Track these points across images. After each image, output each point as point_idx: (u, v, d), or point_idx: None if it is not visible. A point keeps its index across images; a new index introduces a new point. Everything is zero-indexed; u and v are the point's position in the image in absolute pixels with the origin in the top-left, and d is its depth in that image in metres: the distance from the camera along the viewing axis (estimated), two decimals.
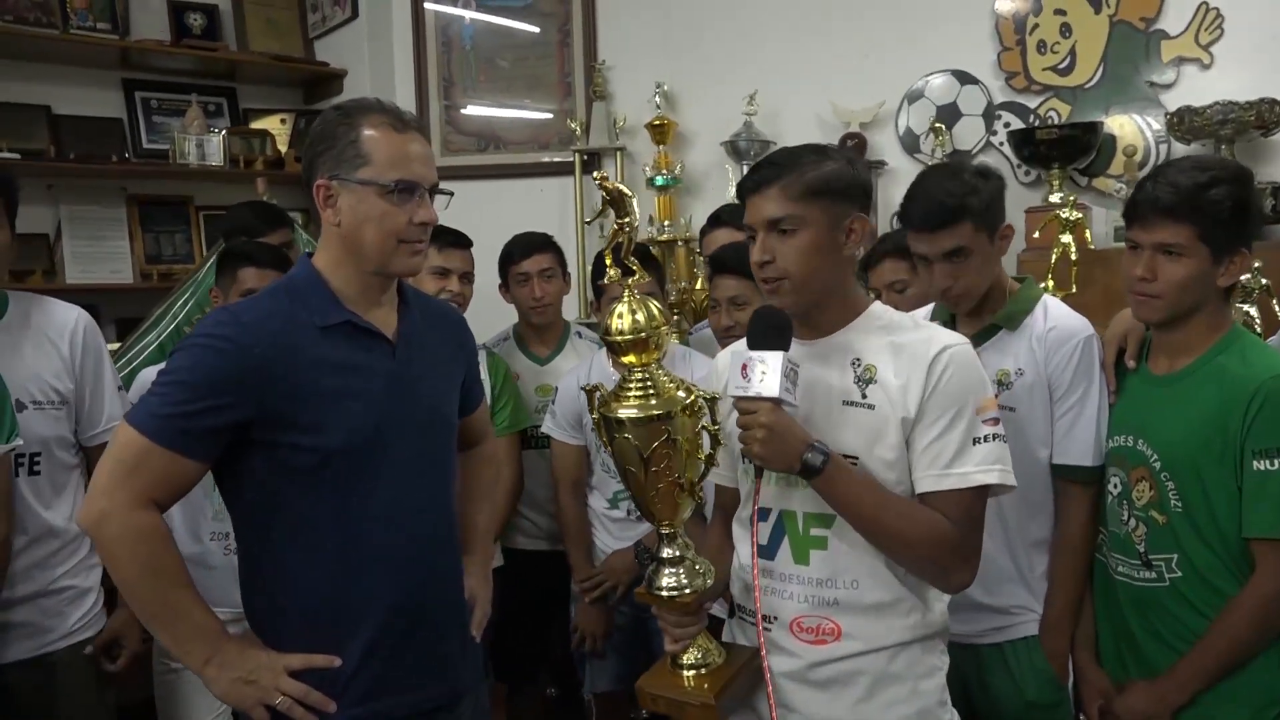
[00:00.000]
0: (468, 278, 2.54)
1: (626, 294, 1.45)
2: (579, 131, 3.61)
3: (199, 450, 1.43)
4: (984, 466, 1.43)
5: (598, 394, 1.48)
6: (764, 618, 1.52)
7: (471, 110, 3.73)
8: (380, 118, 1.52)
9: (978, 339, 1.86)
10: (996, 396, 1.72)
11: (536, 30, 3.69)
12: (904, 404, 1.44)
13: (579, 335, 2.84)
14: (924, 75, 3.32)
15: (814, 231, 1.46)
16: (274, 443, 1.46)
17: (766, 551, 1.53)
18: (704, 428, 1.45)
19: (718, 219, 2.81)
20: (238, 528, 1.55)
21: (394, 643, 1.54)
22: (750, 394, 1.40)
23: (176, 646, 1.46)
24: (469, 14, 3.69)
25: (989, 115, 3.23)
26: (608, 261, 1.48)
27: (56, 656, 1.97)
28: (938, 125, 3.21)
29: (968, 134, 3.26)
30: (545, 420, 2.58)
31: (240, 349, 1.43)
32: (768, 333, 1.42)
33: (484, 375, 2.50)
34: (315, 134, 1.54)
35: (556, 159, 3.68)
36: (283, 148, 3.83)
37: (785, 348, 1.41)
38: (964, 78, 3.27)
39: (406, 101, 3.70)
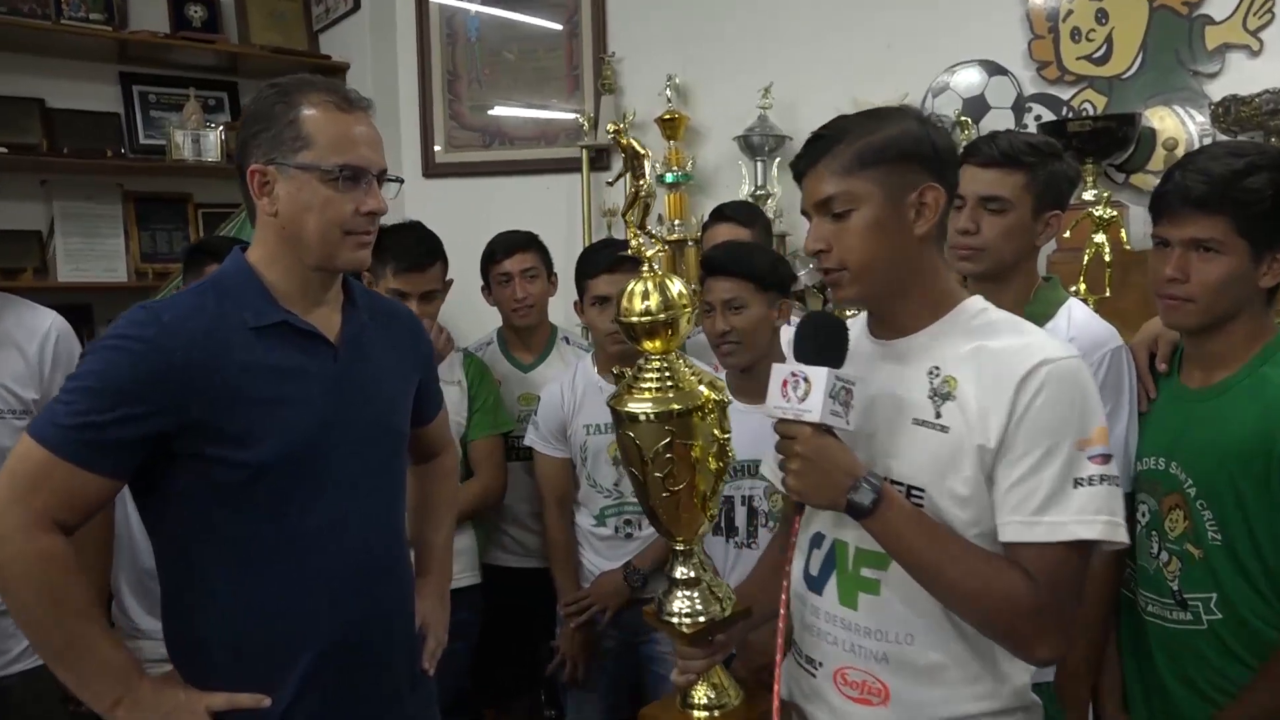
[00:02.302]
0: (430, 297, 2.32)
1: (646, 270, 1.27)
2: (587, 127, 3.45)
3: (108, 465, 1.29)
4: (1084, 516, 1.15)
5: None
6: (808, 659, 1.34)
7: (476, 104, 3.58)
8: (322, 95, 1.37)
9: None
10: None
11: (544, 22, 3.54)
12: (983, 430, 1.18)
13: (566, 341, 2.69)
14: (950, 66, 3.12)
15: (872, 209, 1.22)
16: (199, 456, 1.32)
17: (816, 584, 1.34)
18: (714, 436, 1.27)
19: (721, 214, 2.64)
20: (159, 550, 1.41)
21: (333, 678, 1.39)
22: (789, 415, 1.20)
23: (81, 687, 1.30)
24: (475, 6, 3.55)
25: (1019, 108, 3.03)
26: (629, 228, 1.29)
27: (8, 683, 1.85)
28: (964, 119, 3.01)
29: (996, 127, 3.02)
30: (528, 432, 2.42)
31: (158, 351, 1.29)
32: (815, 343, 1.22)
33: (460, 377, 2.36)
34: (250, 113, 1.40)
35: (564, 155, 3.52)
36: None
37: (836, 362, 1.20)
38: (992, 68, 3.06)
39: (410, 96, 3.58)
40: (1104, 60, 2.89)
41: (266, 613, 1.36)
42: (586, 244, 3.40)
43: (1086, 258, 2.51)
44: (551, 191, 3.56)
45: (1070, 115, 2.92)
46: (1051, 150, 1.71)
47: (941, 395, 1.22)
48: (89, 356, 1.33)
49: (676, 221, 3.35)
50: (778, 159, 3.25)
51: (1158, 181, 2.78)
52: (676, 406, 1.22)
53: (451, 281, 2.45)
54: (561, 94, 3.56)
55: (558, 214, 3.51)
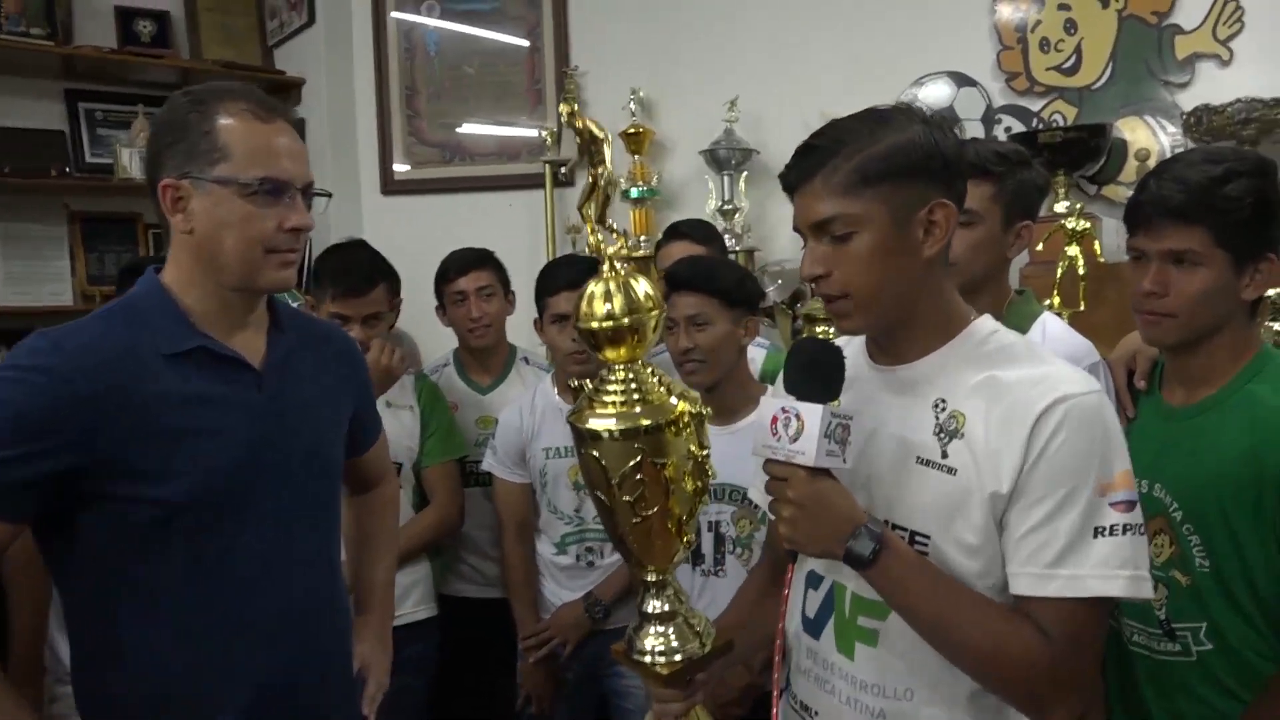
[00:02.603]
0: (373, 321, 2.17)
1: (606, 268, 1.14)
2: (550, 142, 3.37)
3: (6, 509, 1.18)
4: (1106, 570, 1.03)
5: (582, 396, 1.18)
6: (803, 707, 1.24)
7: (436, 120, 3.49)
8: (240, 104, 1.27)
9: None
10: None
11: (505, 37, 3.45)
12: (995, 473, 1.06)
13: (525, 361, 2.59)
14: (918, 78, 3.07)
15: (876, 231, 1.10)
16: (107, 495, 1.21)
17: (813, 627, 1.24)
18: (690, 453, 1.14)
19: (676, 231, 2.57)
20: (65, 598, 1.30)
21: None
22: (780, 457, 1.09)
23: None
24: (433, 21, 3.46)
25: (988, 119, 2.98)
26: (587, 223, 1.17)
27: None
28: (978, 137, 2.95)
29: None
30: (486, 456, 2.32)
31: (59, 382, 1.18)
32: (808, 374, 1.10)
33: (412, 402, 2.25)
34: (161, 123, 1.30)
35: (526, 170, 3.43)
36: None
37: (832, 396, 1.09)
38: (961, 80, 3.02)
39: (367, 111, 3.49)
40: (1073, 71, 2.85)
41: (184, 664, 1.25)
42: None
43: (1060, 271, 2.46)
44: (514, 208, 3.47)
45: (1041, 126, 2.87)
46: (1020, 158, 1.64)
47: (948, 432, 1.11)
48: None
49: (643, 238, 3.27)
50: (745, 173, 3.18)
51: (1131, 192, 2.75)
52: (646, 421, 1.09)
53: (400, 302, 2.34)
54: (524, 109, 3.47)
55: (520, 231, 3.42)
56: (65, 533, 1.24)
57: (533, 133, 3.44)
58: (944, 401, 1.12)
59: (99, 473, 1.20)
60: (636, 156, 3.29)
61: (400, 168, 3.49)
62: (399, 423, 2.24)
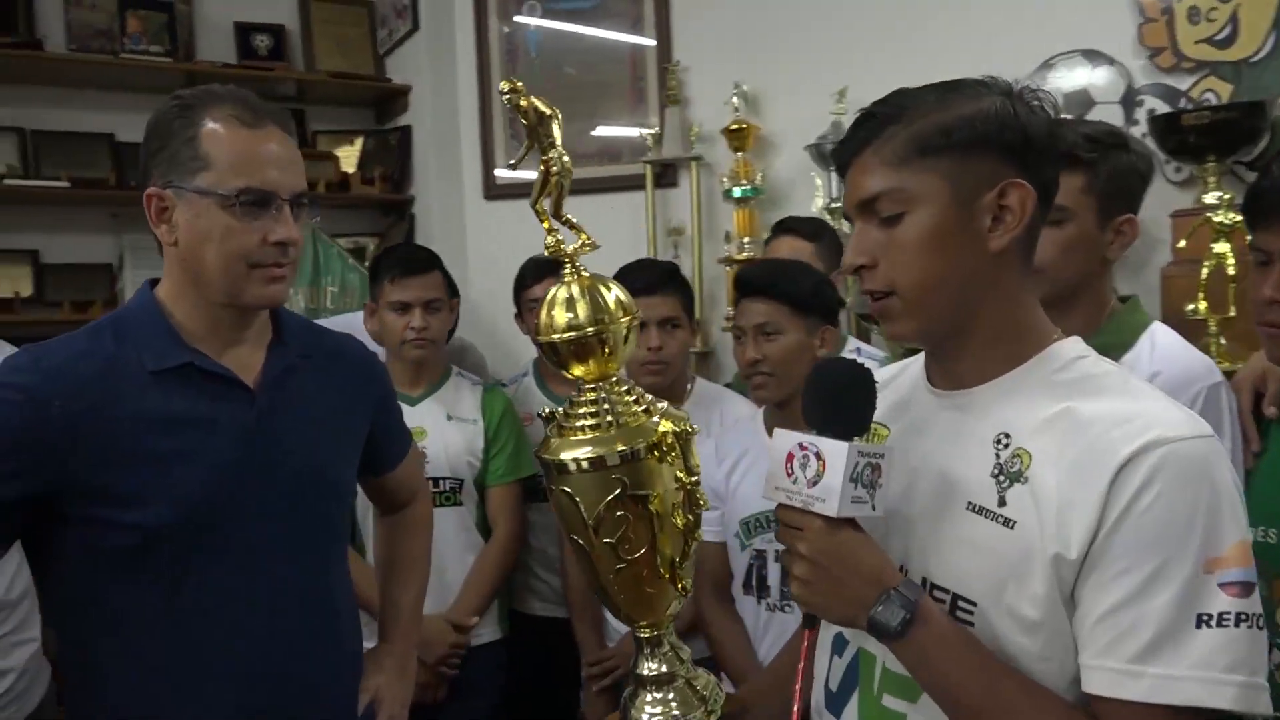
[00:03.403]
0: (435, 307, 2.18)
1: (569, 271, 1.01)
2: (651, 142, 3.25)
3: None
4: (1209, 673, 0.80)
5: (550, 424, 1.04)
6: None
7: None
8: (226, 109, 1.21)
9: None
10: None
11: (606, 33, 3.36)
12: (1061, 532, 0.85)
13: None
14: (1048, 59, 2.77)
15: (932, 211, 0.92)
16: (83, 518, 1.17)
17: (835, 704, 1.05)
18: (678, 480, 0.99)
19: (783, 227, 2.40)
20: (53, 624, 1.26)
21: None
22: (795, 503, 0.91)
23: None
24: (535, 20, 3.40)
25: (1129, 101, 2.65)
26: (543, 219, 1.02)
27: None
28: (1065, 118, 2.66)
29: None
30: None
31: (32, 402, 1.14)
32: (832, 404, 0.92)
33: (477, 416, 2.17)
34: (148, 130, 1.24)
35: (628, 172, 3.33)
36: (349, 169, 3.65)
37: (859, 430, 0.92)
38: (1097, 58, 2.70)
39: (469, 116, 3.46)
40: (1228, 43, 2.50)
41: (159, 698, 1.19)
42: None
43: (1205, 271, 2.15)
44: (615, 211, 3.37)
45: (1190, 107, 2.54)
46: (1115, 140, 1.40)
47: (1009, 475, 0.90)
48: None
49: (746, 239, 3.11)
50: None
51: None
52: (622, 447, 0.95)
53: (458, 303, 2.30)
54: (625, 109, 3.37)
55: (622, 234, 3.32)
56: (49, 557, 1.21)
57: (634, 133, 3.34)
58: (1007, 437, 0.91)
59: (73, 495, 1.16)
60: (740, 154, 3.14)
61: (502, 173, 3.45)
62: (461, 436, 2.17)
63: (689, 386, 2.13)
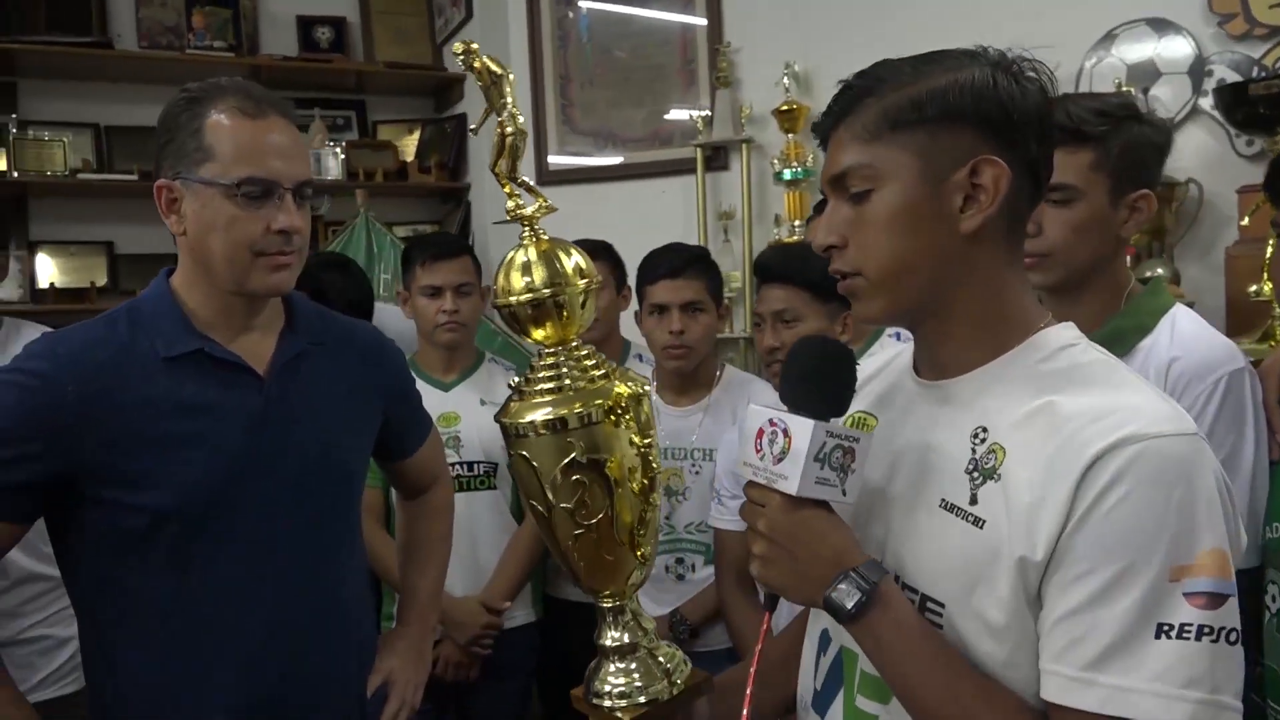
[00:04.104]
0: (465, 290, 2.20)
1: (528, 235, 1.00)
2: (701, 125, 3.21)
3: (6, 510, 1.19)
4: (1165, 687, 0.75)
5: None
6: None
7: (588, 107, 3.43)
8: (229, 100, 1.23)
9: None
10: None
11: (657, 14, 3.33)
12: (1028, 533, 0.80)
13: (639, 358, 2.46)
14: (1111, 29, 2.65)
15: (899, 188, 0.87)
16: (100, 501, 1.20)
17: (820, 703, 1.01)
18: (634, 444, 0.97)
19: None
20: (75, 605, 1.30)
21: None
22: (760, 480, 0.89)
23: None
24: (586, 3, 3.39)
25: (1197, 71, 2.51)
26: (503, 183, 1.01)
27: None
28: (1127, 89, 2.54)
29: (1169, 96, 2.55)
30: None
31: (48, 387, 1.18)
32: (805, 383, 0.89)
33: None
34: (159, 123, 1.27)
35: (678, 155, 3.30)
36: (407, 158, 3.71)
37: (836, 410, 0.89)
38: (1163, 26, 2.57)
39: (522, 102, 3.45)
40: None
41: (167, 679, 1.22)
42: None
43: (1270, 250, 2.02)
44: (667, 194, 3.35)
45: (1263, 75, 2.39)
46: (1126, 111, 1.32)
47: (984, 472, 0.85)
48: None
49: (796, 222, 3.06)
50: None
51: None
52: (576, 409, 0.93)
53: (489, 288, 2.31)
54: (676, 91, 3.34)
55: (674, 217, 3.29)
56: (69, 537, 1.25)
57: (684, 115, 3.31)
58: (984, 431, 0.86)
59: (88, 477, 1.20)
60: (791, 135, 3.08)
61: (555, 158, 3.46)
62: (494, 420, 2.18)
63: (718, 373, 2.10)
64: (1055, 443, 0.81)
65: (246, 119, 1.23)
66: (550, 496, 0.95)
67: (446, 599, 1.95)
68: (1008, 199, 0.87)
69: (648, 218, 3.23)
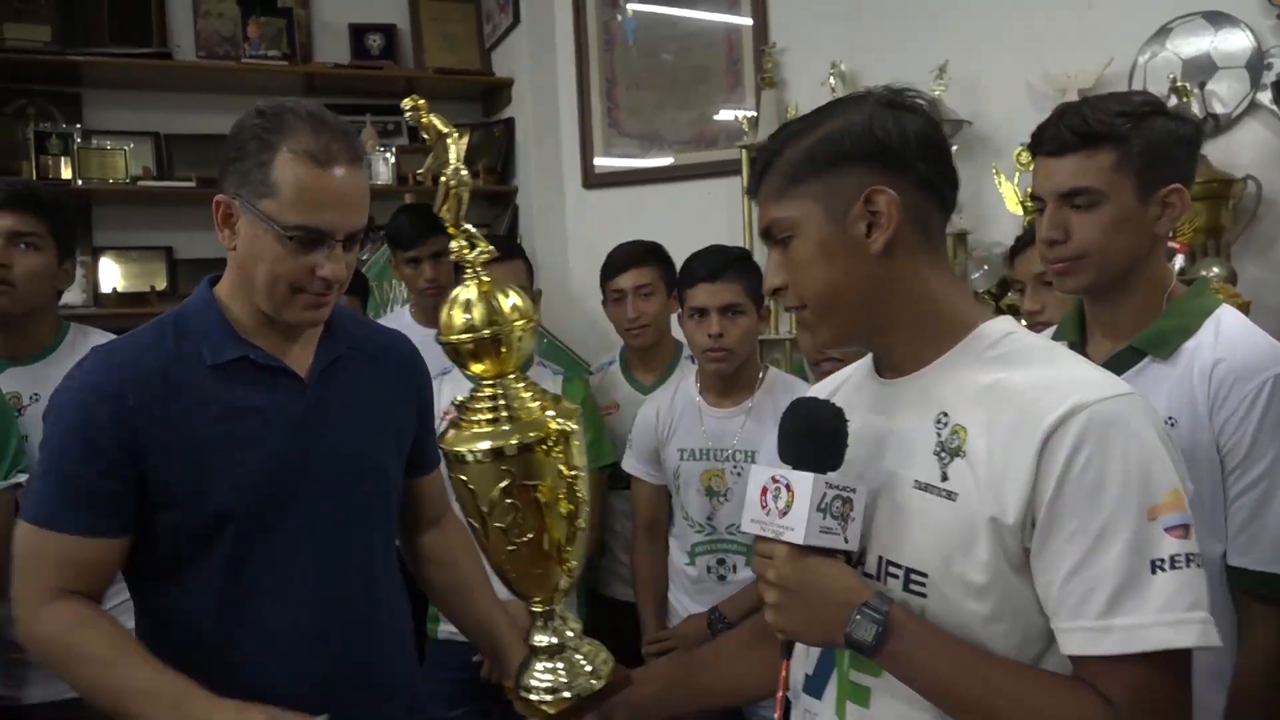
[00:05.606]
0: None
1: (470, 275, 1.09)
2: (747, 126, 3.21)
3: (99, 524, 1.24)
4: (1173, 614, 0.85)
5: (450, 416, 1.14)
6: None
7: (634, 109, 3.44)
8: (302, 142, 1.23)
9: (1109, 370, 1.29)
10: None
11: (703, 15, 3.34)
12: (996, 498, 0.90)
13: (691, 360, 2.47)
14: (1165, 23, 2.59)
15: (811, 231, 1.00)
16: (161, 504, 1.26)
17: (814, 686, 1.09)
18: (561, 474, 1.07)
19: None
20: (137, 609, 1.36)
21: None
22: (767, 534, 0.98)
23: None
24: (632, 4, 3.41)
25: (1255, 65, 2.45)
26: (449, 227, 1.10)
27: (83, 701, 1.89)
28: (1182, 84, 2.48)
29: (1226, 91, 2.50)
30: (625, 454, 2.25)
31: (111, 398, 1.23)
32: (803, 442, 0.98)
33: None
34: (230, 137, 1.30)
35: (723, 158, 3.30)
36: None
37: (830, 464, 0.97)
38: (1220, 20, 2.51)
39: (569, 105, 3.50)
40: None
41: (216, 678, 1.26)
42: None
43: None
44: (713, 196, 3.35)
45: None
46: (1150, 107, 1.30)
47: (950, 451, 0.95)
48: (50, 419, 1.29)
49: None
50: (955, 146, 2.82)
51: None
52: (512, 441, 1.03)
53: (540, 293, 2.35)
54: (721, 93, 3.35)
55: (719, 220, 3.29)
56: (139, 543, 1.29)
57: (730, 117, 3.31)
58: (945, 415, 0.97)
59: (152, 483, 1.25)
60: None
61: (601, 161, 3.48)
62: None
63: (761, 374, 2.11)
64: (1011, 415, 0.91)
65: (314, 166, 1.23)
66: (486, 516, 1.06)
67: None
68: (909, 214, 0.99)
69: (694, 220, 3.24)
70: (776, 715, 1.01)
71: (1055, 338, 1.44)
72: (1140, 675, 0.85)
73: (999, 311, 2.51)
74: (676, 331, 2.32)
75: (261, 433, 1.28)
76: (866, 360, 1.13)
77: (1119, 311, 1.31)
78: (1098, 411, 0.88)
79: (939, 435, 0.96)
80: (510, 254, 2.30)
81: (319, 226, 1.24)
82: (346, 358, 1.39)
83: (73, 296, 3.22)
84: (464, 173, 1.07)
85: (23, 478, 1.80)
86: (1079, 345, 1.38)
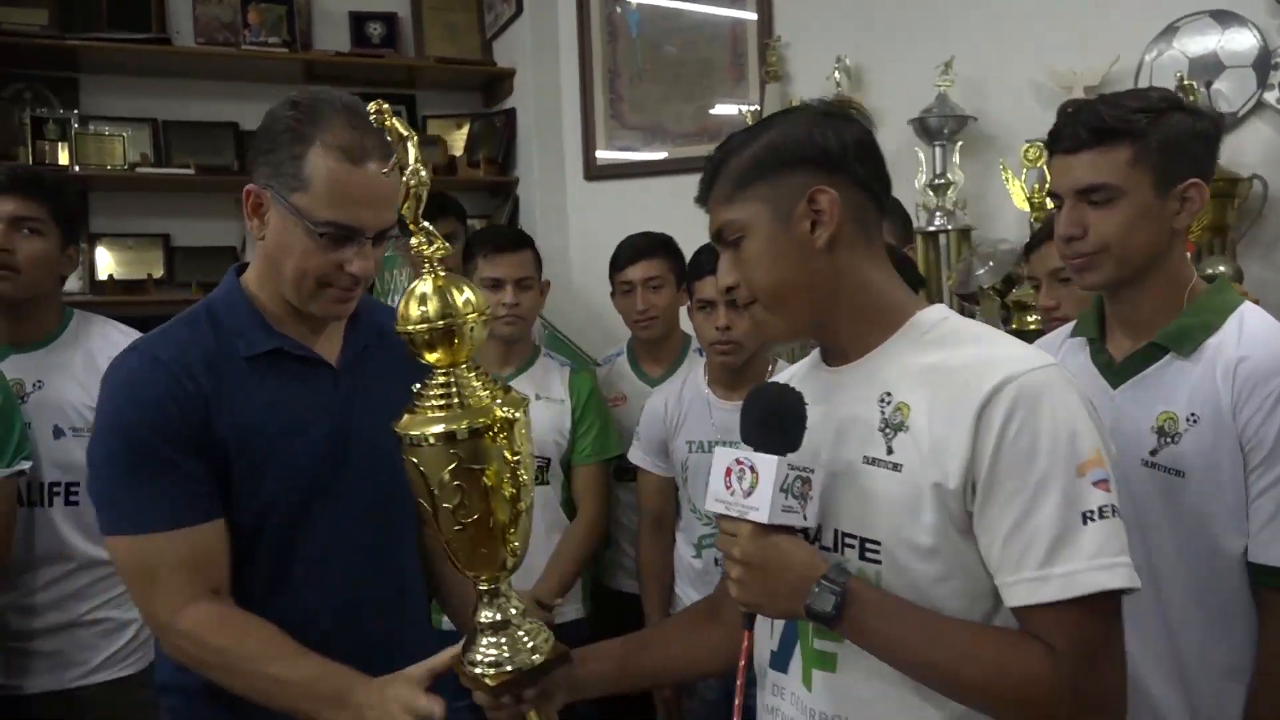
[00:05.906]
0: (525, 285, 2.24)
1: (427, 270, 1.14)
2: (751, 119, 3.20)
3: (190, 512, 1.24)
4: (1104, 560, 0.94)
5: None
6: None
7: (637, 102, 3.43)
8: (336, 138, 1.22)
9: (1130, 366, 1.30)
10: (1155, 453, 1.19)
11: (707, 8, 3.33)
12: (939, 465, 0.98)
13: (699, 353, 2.46)
14: (1172, 22, 2.60)
15: (760, 231, 1.08)
16: (221, 496, 1.28)
17: (779, 660, 1.15)
18: (506, 459, 1.13)
19: None
20: None
21: None
22: (732, 513, 1.03)
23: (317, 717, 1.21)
24: None
25: (1262, 64, 2.47)
26: (410, 224, 1.13)
27: (85, 692, 1.88)
28: (1189, 83, 2.49)
29: (1233, 90, 2.51)
30: (631, 446, 2.24)
31: (166, 393, 1.24)
32: (766, 423, 1.04)
33: (564, 395, 2.22)
34: (263, 127, 1.29)
35: None
36: (456, 152, 3.74)
37: (791, 445, 1.03)
38: (1227, 19, 2.52)
39: (571, 97, 3.48)
40: None
41: None
42: None
43: None
44: None
45: None
46: (1167, 103, 1.30)
47: (893, 426, 1.03)
48: (104, 430, 1.27)
49: None
50: (959, 143, 2.85)
51: None
52: (464, 425, 1.09)
53: (548, 286, 2.34)
54: (725, 86, 3.34)
55: None
56: None
57: (734, 110, 3.30)
58: (889, 395, 1.05)
59: (217, 472, 1.26)
60: None
61: (603, 153, 3.46)
62: (548, 415, 2.22)
63: (770, 367, 2.10)
64: (949, 390, 1.00)
65: (348, 163, 1.22)
66: (436, 497, 1.11)
67: None
68: (849, 212, 1.07)
69: (696, 213, 3.22)
70: (739, 682, 1.06)
71: (1074, 334, 1.44)
72: (1079, 619, 0.93)
73: (1005, 308, 2.53)
74: (685, 325, 2.32)
75: (303, 420, 1.30)
76: (815, 353, 1.20)
77: (1138, 307, 1.31)
78: (1026, 381, 0.96)
79: (883, 413, 1.04)
80: (519, 244, 2.29)
81: (350, 223, 1.23)
82: (374, 346, 1.39)
83: (69, 284, 3.18)
84: (423, 173, 1.10)
85: (26, 465, 1.78)
86: (1098, 341, 1.38)
